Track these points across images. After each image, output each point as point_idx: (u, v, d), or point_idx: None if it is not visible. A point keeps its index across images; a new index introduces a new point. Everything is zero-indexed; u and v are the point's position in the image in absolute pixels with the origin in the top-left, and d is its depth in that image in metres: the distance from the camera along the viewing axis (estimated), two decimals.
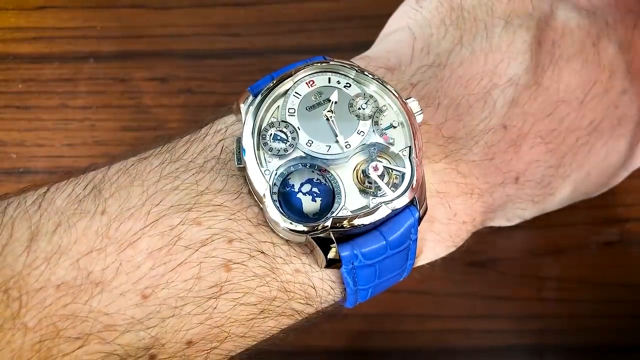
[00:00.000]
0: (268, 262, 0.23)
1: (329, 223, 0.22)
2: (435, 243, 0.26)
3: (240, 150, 0.23)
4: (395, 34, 0.29)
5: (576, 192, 0.31)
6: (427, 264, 0.28)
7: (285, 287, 0.24)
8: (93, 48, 0.39)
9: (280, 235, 0.23)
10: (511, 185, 0.28)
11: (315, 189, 0.23)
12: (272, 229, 0.23)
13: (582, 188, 0.31)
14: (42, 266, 0.21)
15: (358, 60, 0.28)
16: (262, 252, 0.23)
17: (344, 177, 0.23)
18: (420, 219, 0.23)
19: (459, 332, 0.36)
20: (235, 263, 0.23)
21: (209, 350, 0.23)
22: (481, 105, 0.27)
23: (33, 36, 0.40)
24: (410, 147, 0.24)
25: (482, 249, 0.36)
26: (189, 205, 0.23)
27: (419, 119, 0.24)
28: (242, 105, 0.24)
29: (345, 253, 0.22)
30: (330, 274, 0.24)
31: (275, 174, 0.23)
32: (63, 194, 0.23)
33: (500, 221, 0.31)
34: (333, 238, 0.22)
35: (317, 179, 0.23)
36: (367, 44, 0.30)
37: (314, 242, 0.22)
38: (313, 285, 0.24)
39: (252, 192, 0.23)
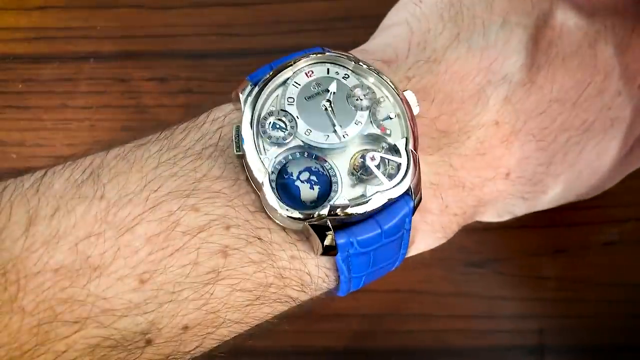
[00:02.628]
0: (265, 248, 0.23)
1: (325, 211, 0.22)
2: (427, 234, 0.27)
3: (239, 138, 0.23)
4: (393, 28, 0.29)
5: (567, 191, 0.31)
6: (423, 254, 0.28)
7: (282, 273, 0.24)
8: (93, 48, 0.39)
9: (277, 222, 0.23)
10: (502, 180, 0.28)
11: (313, 177, 0.23)
12: (269, 216, 0.23)
13: (574, 188, 0.31)
14: (40, 250, 0.21)
15: (356, 52, 0.28)
16: (259, 238, 0.23)
17: (341, 166, 0.24)
18: (414, 208, 0.24)
19: (459, 332, 0.36)
20: (232, 249, 0.23)
21: (204, 336, 0.24)
22: (474, 101, 0.27)
23: (33, 36, 0.40)
24: (406, 137, 0.24)
25: (482, 249, 0.36)
26: (187, 192, 0.23)
27: (415, 111, 0.25)
28: (241, 95, 0.24)
29: (341, 241, 0.23)
30: (325, 261, 0.25)
31: (274, 162, 0.23)
32: (61, 179, 0.23)
33: (491, 216, 0.31)
34: (330, 225, 0.23)
35: (316, 167, 0.23)
36: None
37: (311, 229, 0.23)
38: (308, 272, 0.24)
39: (249, 180, 0.23)
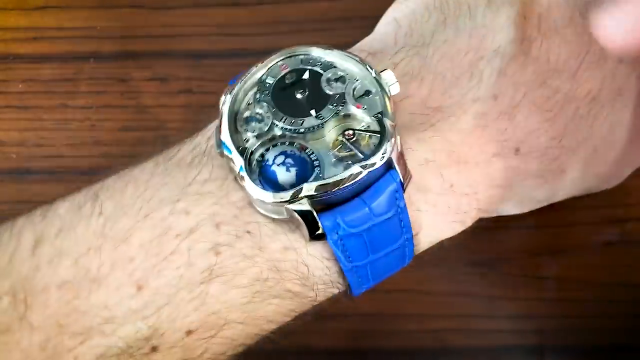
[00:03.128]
0: (255, 241, 0.24)
1: (302, 190, 0.22)
2: (433, 216, 0.26)
3: (219, 136, 0.24)
4: (382, 27, 0.30)
5: (587, 172, 0.31)
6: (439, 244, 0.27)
7: (276, 266, 0.24)
8: (93, 48, 0.39)
9: (267, 214, 0.24)
10: (512, 157, 0.27)
11: (288, 160, 0.23)
12: (257, 210, 0.24)
13: (592, 167, 0.31)
14: (44, 268, 0.23)
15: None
16: (249, 232, 0.24)
17: (323, 150, 0.24)
18: (403, 184, 0.24)
19: (459, 332, 0.36)
20: (223, 246, 0.23)
21: (208, 339, 0.24)
22: (468, 76, 0.27)
23: (33, 36, 0.40)
24: (381, 111, 0.24)
25: (482, 249, 0.36)
26: (177, 197, 0.24)
27: (395, 88, 0.25)
28: (221, 97, 0.25)
29: (327, 222, 0.23)
30: (321, 250, 0.24)
31: (248, 150, 0.24)
32: (65, 203, 0.25)
33: (513, 206, 0.31)
34: (310, 207, 0.23)
35: (292, 150, 0.24)
36: None
37: (294, 213, 0.23)
38: (305, 262, 0.24)
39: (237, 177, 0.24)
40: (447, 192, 0.26)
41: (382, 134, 0.24)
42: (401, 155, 0.24)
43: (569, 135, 0.29)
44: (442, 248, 0.28)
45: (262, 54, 0.39)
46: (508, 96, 0.27)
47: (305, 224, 0.23)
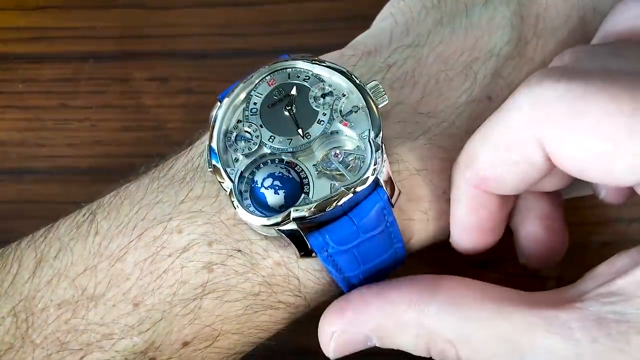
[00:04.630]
0: (247, 259, 0.24)
1: (290, 215, 0.22)
2: (425, 223, 0.26)
3: (210, 155, 0.24)
4: (379, 23, 0.30)
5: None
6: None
7: (268, 281, 0.24)
8: (93, 48, 0.39)
9: (258, 231, 0.24)
10: None
11: (276, 182, 0.23)
12: (249, 227, 0.24)
13: None
14: (44, 289, 0.24)
15: (342, 50, 0.28)
16: (240, 251, 0.24)
17: (311, 167, 0.24)
18: (390, 200, 0.24)
19: None
20: (215, 264, 0.24)
21: (203, 349, 0.25)
22: (462, 78, 0.27)
23: (33, 36, 0.40)
24: (369, 129, 0.24)
25: None
26: (169, 215, 0.24)
27: (383, 100, 0.25)
28: (212, 112, 0.25)
29: (315, 242, 0.23)
30: (312, 262, 0.25)
31: (238, 171, 0.24)
32: (65, 223, 0.25)
33: None
34: (299, 228, 0.23)
35: (279, 172, 0.24)
36: None
37: (283, 235, 0.23)
38: (296, 275, 0.25)
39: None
40: (439, 199, 0.26)
41: (369, 155, 0.23)
42: (389, 173, 0.24)
43: None
44: (442, 248, 0.28)
45: (262, 54, 0.39)
46: (502, 97, 0.27)
47: (294, 243, 0.23)
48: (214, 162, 0.24)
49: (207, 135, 0.26)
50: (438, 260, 0.31)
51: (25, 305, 0.23)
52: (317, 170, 0.24)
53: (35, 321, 0.23)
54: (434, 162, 0.26)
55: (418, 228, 0.26)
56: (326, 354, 0.25)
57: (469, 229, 0.26)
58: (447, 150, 0.26)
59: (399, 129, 0.26)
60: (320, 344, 0.25)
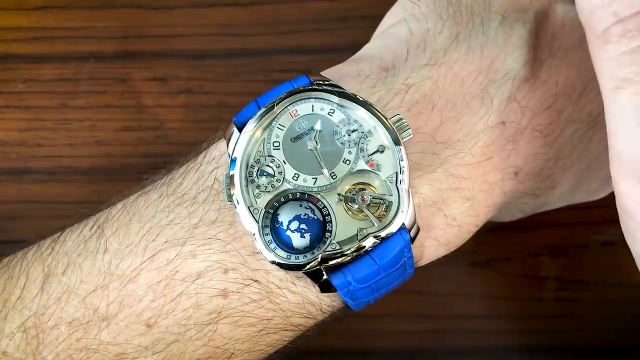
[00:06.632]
0: (262, 288, 0.24)
1: (317, 262, 0.23)
2: (435, 248, 0.26)
3: (229, 188, 0.23)
4: (392, 29, 0.29)
5: (578, 187, 0.31)
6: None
7: (282, 307, 0.24)
8: (93, 48, 0.39)
9: None
10: (511, 180, 0.27)
11: (303, 225, 0.23)
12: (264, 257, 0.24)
13: (584, 183, 0.31)
14: (54, 306, 0.23)
15: (354, 60, 0.28)
16: (256, 281, 0.24)
17: (334, 204, 0.24)
18: (412, 239, 0.24)
19: (459, 332, 0.36)
20: (230, 291, 0.24)
21: None
22: (478, 102, 0.27)
23: (33, 36, 0.40)
24: (396, 172, 0.24)
25: (482, 249, 0.36)
26: (183, 239, 0.24)
27: (407, 135, 0.24)
28: (229, 142, 0.24)
29: (337, 282, 0.23)
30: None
31: (263, 212, 0.23)
32: (73, 235, 0.25)
33: (503, 216, 0.31)
34: (324, 271, 0.23)
35: (305, 215, 0.23)
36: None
37: (306, 277, 0.23)
38: (311, 302, 0.25)
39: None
40: (450, 226, 0.26)
41: (397, 202, 0.23)
42: (413, 215, 0.24)
43: (564, 156, 0.29)
44: None
45: (262, 54, 0.39)
46: (515, 122, 0.27)
47: (316, 282, 0.23)
48: (235, 198, 0.23)
49: (215, 145, 0.26)
50: (435, 259, 0.31)
51: (35, 321, 0.23)
52: (340, 206, 0.23)
53: (46, 338, 0.23)
54: (448, 193, 0.26)
55: (428, 252, 0.26)
56: None
57: None
58: (461, 180, 0.26)
59: (418, 160, 0.26)
60: None
